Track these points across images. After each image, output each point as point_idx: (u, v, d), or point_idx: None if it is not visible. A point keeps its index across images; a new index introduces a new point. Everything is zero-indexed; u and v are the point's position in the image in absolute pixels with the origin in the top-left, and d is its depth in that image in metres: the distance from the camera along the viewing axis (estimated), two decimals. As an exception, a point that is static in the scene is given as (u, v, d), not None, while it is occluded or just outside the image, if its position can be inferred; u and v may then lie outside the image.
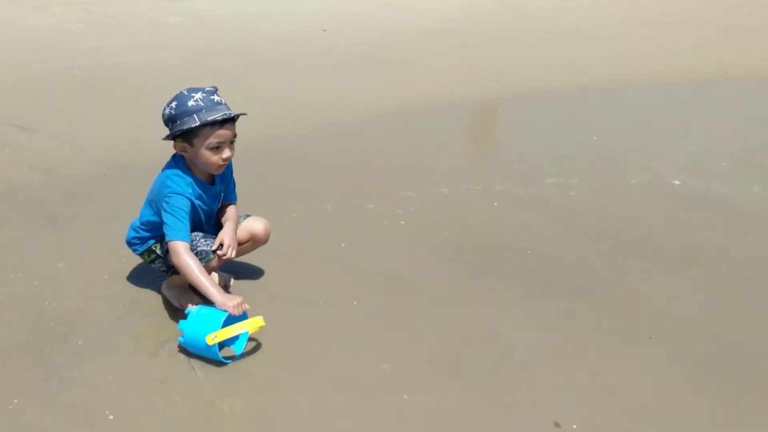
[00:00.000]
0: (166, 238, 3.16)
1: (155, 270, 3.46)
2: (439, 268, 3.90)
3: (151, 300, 3.44)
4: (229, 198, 3.49)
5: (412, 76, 7.37)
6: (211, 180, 3.34)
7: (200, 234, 3.33)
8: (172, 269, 3.34)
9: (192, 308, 3.12)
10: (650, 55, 8.83)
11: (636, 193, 4.99)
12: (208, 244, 3.28)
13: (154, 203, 3.27)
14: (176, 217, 3.14)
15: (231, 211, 3.48)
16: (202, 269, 3.12)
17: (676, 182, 5.17)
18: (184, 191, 3.18)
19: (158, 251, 3.37)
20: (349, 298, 3.57)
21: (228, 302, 3.06)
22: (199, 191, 3.26)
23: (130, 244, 3.43)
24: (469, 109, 6.61)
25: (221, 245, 3.28)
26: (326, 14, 9.55)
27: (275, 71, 7.21)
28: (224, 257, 3.27)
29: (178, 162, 3.26)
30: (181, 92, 3.17)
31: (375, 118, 6.12)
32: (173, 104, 3.15)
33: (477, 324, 3.43)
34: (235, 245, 3.33)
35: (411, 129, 5.94)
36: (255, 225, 3.51)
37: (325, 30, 8.69)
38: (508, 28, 9.83)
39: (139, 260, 3.54)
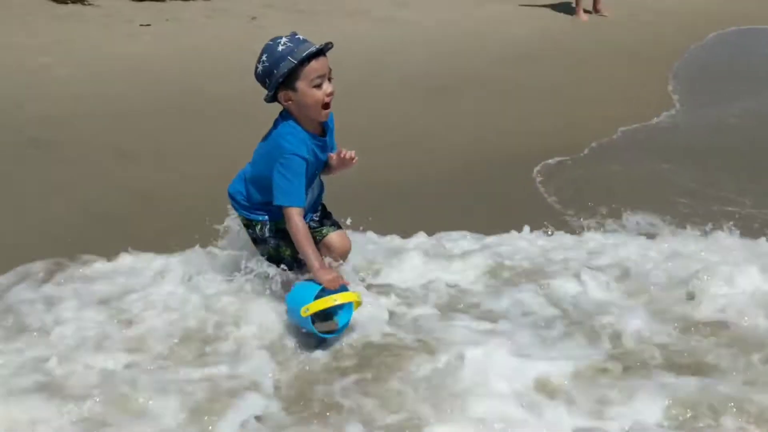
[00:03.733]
0: (278, 201, 3.23)
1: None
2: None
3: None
4: (332, 149, 3.51)
5: (490, 103, 7.37)
6: (321, 131, 3.38)
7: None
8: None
9: (300, 281, 3.24)
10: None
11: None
12: None
13: (264, 164, 3.31)
14: (291, 182, 3.21)
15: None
16: (310, 237, 3.24)
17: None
18: (299, 150, 3.22)
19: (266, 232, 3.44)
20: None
21: (324, 275, 3.14)
22: (312, 145, 3.30)
23: (239, 205, 3.49)
24: (552, 137, 6.50)
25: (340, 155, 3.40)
26: (394, 41, 9.65)
27: (349, 97, 7.22)
28: (350, 156, 3.40)
29: (286, 117, 3.29)
30: (266, 44, 3.23)
31: (457, 145, 6.14)
32: (264, 57, 3.21)
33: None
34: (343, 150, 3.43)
35: (493, 159, 5.86)
36: (334, 240, 3.57)
37: (393, 55, 8.75)
38: (581, 50, 9.80)
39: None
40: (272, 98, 3.27)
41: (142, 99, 6.81)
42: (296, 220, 3.22)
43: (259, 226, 3.45)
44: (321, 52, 3.20)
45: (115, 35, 8.95)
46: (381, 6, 11.60)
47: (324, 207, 3.68)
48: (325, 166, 3.52)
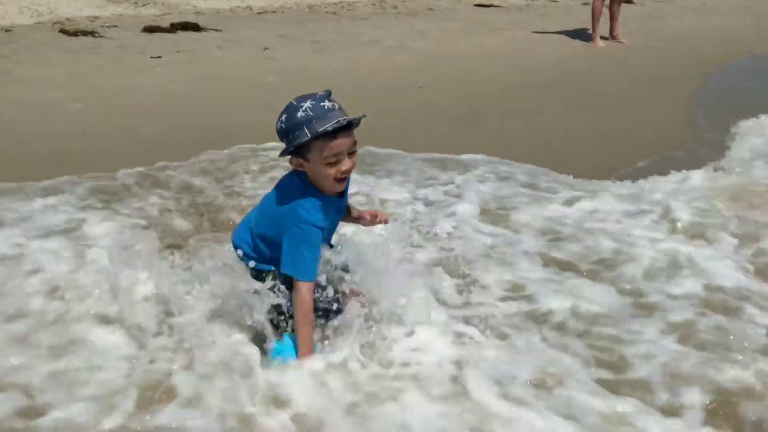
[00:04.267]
0: (287, 270, 3.01)
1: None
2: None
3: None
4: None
5: (509, 132, 7.19)
6: (340, 192, 3.14)
7: (330, 288, 3.17)
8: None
9: (287, 336, 3.10)
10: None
11: None
12: (329, 301, 3.15)
13: (275, 224, 3.08)
14: (304, 254, 2.97)
15: (353, 209, 3.41)
16: (311, 317, 3.02)
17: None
18: (316, 220, 2.98)
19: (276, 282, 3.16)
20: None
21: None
22: (328, 210, 3.05)
23: (245, 255, 3.23)
24: (571, 168, 6.27)
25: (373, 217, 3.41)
26: (419, 70, 9.51)
27: (372, 123, 7.10)
28: (385, 220, 3.43)
29: (303, 179, 3.04)
30: (290, 102, 2.96)
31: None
32: (284, 117, 2.95)
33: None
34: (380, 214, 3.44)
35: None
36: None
37: (421, 87, 8.61)
38: (600, 78, 9.66)
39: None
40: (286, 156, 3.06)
41: (155, 133, 6.65)
42: (304, 293, 3.00)
43: (270, 276, 3.20)
44: (343, 128, 2.90)
45: (126, 68, 8.83)
46: (395, 36, 11.51)
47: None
48: (349, 217, 3.39)
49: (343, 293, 3.22)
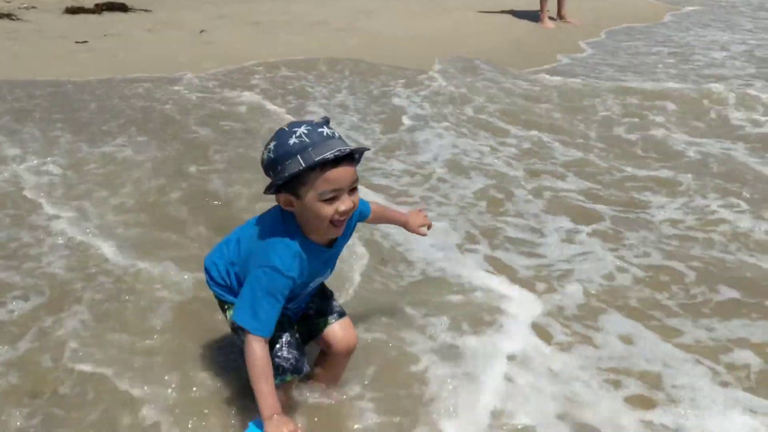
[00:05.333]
0: (237, 318, 2.52)
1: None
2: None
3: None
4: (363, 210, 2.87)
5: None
6: (330, 241, 2.61)
7: (287, 334, 2.66)
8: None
9: (255, 421, 2.54)
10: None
11: None
12: (289, 359, 2.63)
13: (244, 259, 2.61)
14: (263, 303, 2.47)
15: (378, 209, 3.00)
16: (269, 373, 2.48)
17: None
18: (286, 269, 2.48)
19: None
20: None
21: (272, 428, 2.42)
22: (306, 259, 2.54)
23: (211, 280, 2.77)
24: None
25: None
26: (371, 55, 8.94)
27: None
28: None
29: (287, 218, 2.55)
30: (280, 128, 2.47)
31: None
32: (272, 145, 2.45)
33: None
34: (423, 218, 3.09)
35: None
36: (336, 333, 2.84)
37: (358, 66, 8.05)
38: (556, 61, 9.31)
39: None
40: (272, 193, 2.52)
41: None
42: (255, 347, 2.48)
43: (231, 310, 2.69)
44: (345, 158, 2.40)
45: (48, 55, 8.01)
46: (342, 16, 10.91)
47: (324, 288, 2.94)
48: (381, 220, 3.08)
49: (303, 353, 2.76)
